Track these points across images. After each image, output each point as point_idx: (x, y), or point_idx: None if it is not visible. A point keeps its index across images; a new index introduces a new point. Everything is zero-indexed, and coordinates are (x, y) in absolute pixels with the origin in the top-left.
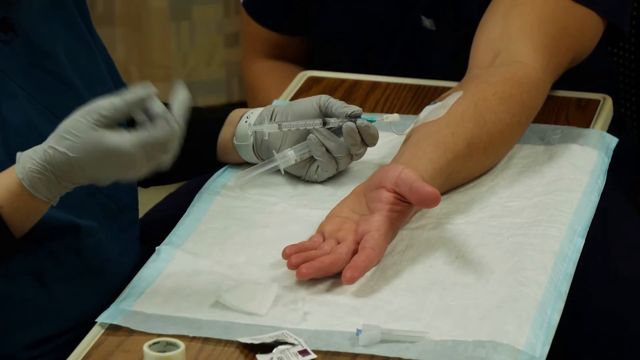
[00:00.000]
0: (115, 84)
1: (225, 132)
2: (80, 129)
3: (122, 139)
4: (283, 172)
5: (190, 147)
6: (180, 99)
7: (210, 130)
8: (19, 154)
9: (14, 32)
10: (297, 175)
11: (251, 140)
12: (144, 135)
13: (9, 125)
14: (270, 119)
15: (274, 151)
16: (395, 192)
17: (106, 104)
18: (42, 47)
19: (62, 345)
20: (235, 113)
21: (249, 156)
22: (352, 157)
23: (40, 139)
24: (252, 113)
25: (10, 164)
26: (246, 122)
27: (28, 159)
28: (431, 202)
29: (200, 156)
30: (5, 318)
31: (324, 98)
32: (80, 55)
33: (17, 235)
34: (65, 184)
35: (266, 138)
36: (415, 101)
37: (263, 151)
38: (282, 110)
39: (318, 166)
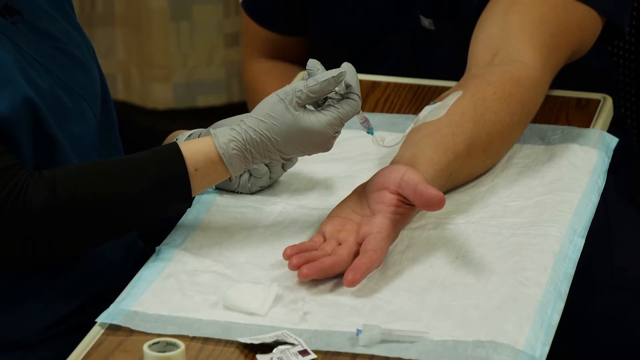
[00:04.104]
0: (96, 63)
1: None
2: (278, 112)
3: (317, 119)
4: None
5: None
6: (350, 71)
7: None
8: (213, 131)
9: (19, 14)
10: (229, 189)
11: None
12: (335, 114)
13: (41, 92)
14: None
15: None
16: (399, 194)
17: (301, 86)
18: (44, 29)
19: (72, 328)
20: (173, 133)
21: None
22: (283, 165)
23: (65, 110)
24: (193, 131)
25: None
26: (182, 135)
27: (229, 139)
28: (435, 205)
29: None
30: (19, 302)
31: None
32: (71, 35)
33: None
34: (256, 161)
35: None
36: (415, 101)
37: None
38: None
39: (250, 175)
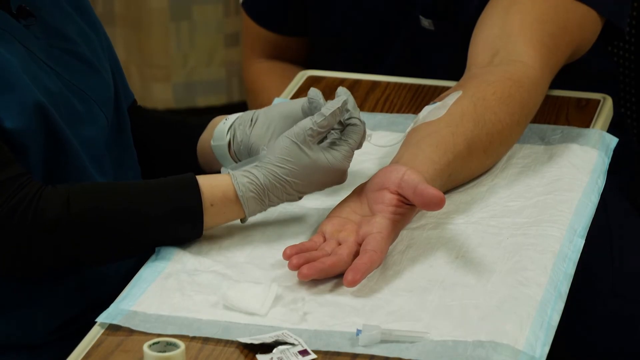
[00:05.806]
0: (111, 61)
1: (205, 136)
2: (294, 155)
3: (333, 157)
4: None
5: (170, 148)
6: (346, 95)
7: (190, 132)
8: (232, 172)
9: (33, 17)
10: None
11: (227, 138)
12: (347, 147)
13: (52, 96)
14: (251, 122)
15: (263, 147)
16: (399, 194)
17: (310, 124)
18: (59, 29)
19: (79, 330)
20: (216, 119)
21: (225, 157)
22: None
23: (76, 114)
24: (231, 116)
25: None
26: (224, 123)
27: (248, 181)
28: (436, 205)
29: (179, 158)
30: (25, 304)
31: (308, 102)
32: (88, 35)
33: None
34: (273, 204)
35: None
36: (414, 101)
37: (242, 152)
38: (265, 113)
39: None
